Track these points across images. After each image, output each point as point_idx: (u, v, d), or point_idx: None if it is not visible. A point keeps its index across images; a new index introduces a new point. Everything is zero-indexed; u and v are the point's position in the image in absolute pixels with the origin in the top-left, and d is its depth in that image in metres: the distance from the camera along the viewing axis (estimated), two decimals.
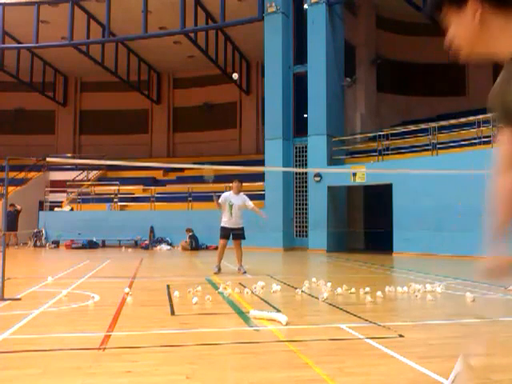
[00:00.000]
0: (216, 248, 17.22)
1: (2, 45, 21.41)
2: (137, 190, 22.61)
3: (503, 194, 1.48)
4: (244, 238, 9.55)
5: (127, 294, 6.23)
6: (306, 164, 17.41)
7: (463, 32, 1.35)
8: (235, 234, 9.46)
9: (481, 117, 14.19)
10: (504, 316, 5.20)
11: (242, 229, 9.51)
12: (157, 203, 20.90)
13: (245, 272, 9.27)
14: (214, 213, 18.61)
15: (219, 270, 9.32)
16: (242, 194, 9.62)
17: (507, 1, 1.28)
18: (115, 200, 21.38)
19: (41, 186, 23.60)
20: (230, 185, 9.78)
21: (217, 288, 6.84)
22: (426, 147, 15.26)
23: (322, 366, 3.25)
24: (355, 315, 5.01)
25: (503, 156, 1.47)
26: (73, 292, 6.63)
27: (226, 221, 9.41)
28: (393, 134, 16.74)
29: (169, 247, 18.35)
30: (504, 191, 1.49)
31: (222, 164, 21.45)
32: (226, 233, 9.44)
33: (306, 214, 17.47)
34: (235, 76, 13.52)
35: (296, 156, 17.94)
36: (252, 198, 18.66)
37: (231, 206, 9.34)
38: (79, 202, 21.92)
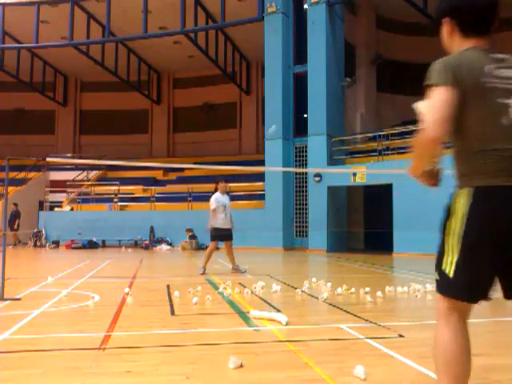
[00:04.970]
0: (216, 248, 17.29)
1: (2, 45, 21.43)
2: (137, 189, 22.61)
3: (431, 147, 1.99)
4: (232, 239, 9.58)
5: (127, 293, 6.23)
6: (306, 164, 17.41)
7: (444, 41, 2.17)
8: (229, 235, 9.45)
9: None
10: (504, 316, 5.20)
11: (231, 229, 9.54)
12: (157, 203, 20.91)
13: (245, 271, 9.27)
14: None
15: (205, 271, 9.15)
16: (225, 193, 9.68)
17: (467, 29, 2.07)
18: (115, 200, 21.38)
19: (41, 186, 23.61)
20: (216, 185, 9.66)
21: (217, 288, 6.84)
22: None
23: (322, 365, 3.25)
24: (355, 315, 5.01)
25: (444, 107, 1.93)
26: (73, 292, 6.63)
27: (221, 221, 9.30)
28: (393, 134, 16.74)
29: (169, 247, 18.35)
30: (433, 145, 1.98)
31: (221, 164, 21.47)
32: (221, 234, 9.35)
33: (306, 214, 17.47)
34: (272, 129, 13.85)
35: (296, 156, 17.94)
36: (252, 197, 18.88)
37: (225, 207, 9.32)
38: (79, 202, 21.93)
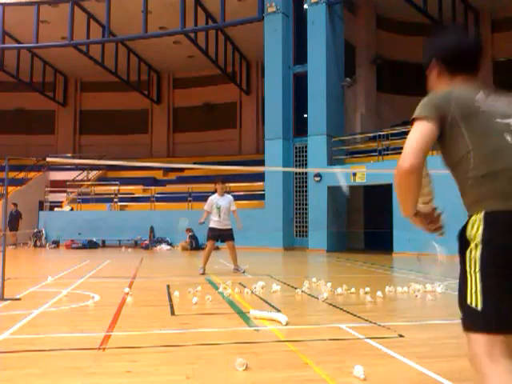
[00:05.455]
0: (216, 248, 17.31)
1: (2, 45, 21.42)
2: (137, 189, 22.62)
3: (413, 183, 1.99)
4: (233, 239, 9.52)
5: (127, 293, 6.23)
6: (306, 164, 17.41)
7: (431, 81, 2.24)
8: (226, 235, 9.43)
9: None
10: None
11: (231, 229, 9.47)
12: (157, 203, 20.91)
13: (244, 271, 9.27)
14: None
15: (204, 271, 9.22)
16: (227, 194, 9.65)
17: (455, 69, 2.14)
18: (115, 200, 21.38)
19: (41, 186, 23.61)
20: (214, 186, 9.73)
21: (217, 288, 6.84)
22: None
23: (322, 365, 3.25)
24: (355, 315, 5.01)
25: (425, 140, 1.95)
26: (73, 292, 6.63)
27: (215, 222, 9.37)
28: (393, 134, 16.72)
29: (169, 247, 18.35)
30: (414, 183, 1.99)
31: (221, 164, 21.48)
32: (215, 234, 9.42)
33: (306, 214, 17.47)
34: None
35: (296, 156, 17.94)
36: (252, 198, 18.87)
37: (219, 208, 9.33)
38: (79, 202, 21.93)
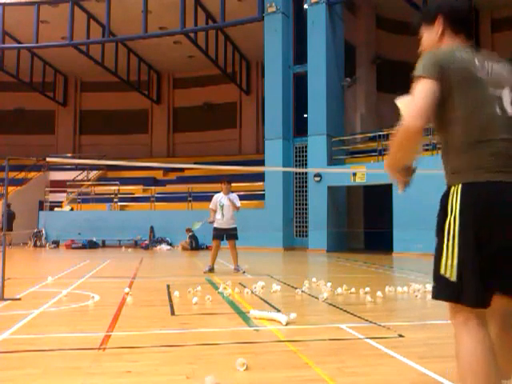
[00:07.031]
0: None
1: (1, 45, 21.41)
2: (137, 190, 22.62)
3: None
4: (237, 238, 9.53)
5: (127, 293, 6.23)
6: (306, 164, 17.41)
7: (428, 40, 2.22)
8: (229, 235, 9.45)
9: None
10: None
11: (235, 229, 9.50)
12: (157, 203, 20.91)
13: (244, 272, 9.27)
14: None
15: (211, 269, 9.28)
16: (232, 193, 9.65)
17: (458, 27, 2.13)
18: (115, 200, 21.38)
19: (41, 186, 23.61)
20: (220, 185, 9.73)
21: (217, 288, 6.84)
22: (426, 147, 15.25)
23: (322, 366, 3.25)
24: (355, 315, 5.01)
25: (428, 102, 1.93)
26: (73, 292, 6.63)
27: (218, 221, 9.42)
28: (393, 134, 16.72)
29: (169, 247, 18.35)
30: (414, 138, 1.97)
31: (221, 164, 21.48)
32: (218, 233, 9.46)
33: (306, 214, 17.47)
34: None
35: (296, 156, 17.94)
36: (252, 198, 18.88)
37: (222, 207, 9.37)
38: (79, 202, 21.93)
